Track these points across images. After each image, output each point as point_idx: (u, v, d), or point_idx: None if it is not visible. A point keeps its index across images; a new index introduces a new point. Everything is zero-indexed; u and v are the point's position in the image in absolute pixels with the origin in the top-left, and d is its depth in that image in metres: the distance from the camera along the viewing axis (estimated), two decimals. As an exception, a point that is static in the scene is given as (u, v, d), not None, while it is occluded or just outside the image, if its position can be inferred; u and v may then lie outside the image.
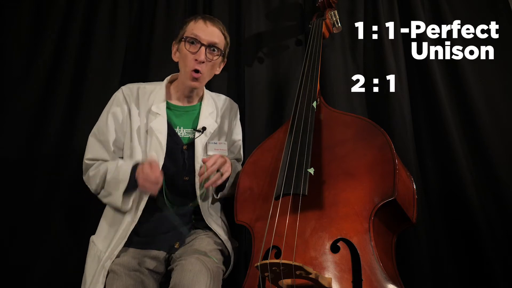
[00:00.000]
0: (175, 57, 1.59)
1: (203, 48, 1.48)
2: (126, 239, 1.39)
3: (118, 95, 1.59)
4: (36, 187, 1.79)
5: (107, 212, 1.51)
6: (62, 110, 1.90)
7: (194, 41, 1.49)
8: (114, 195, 1.41)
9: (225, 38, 1.57)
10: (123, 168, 1.41)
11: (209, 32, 1.51)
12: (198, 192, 1.49)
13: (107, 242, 1.41)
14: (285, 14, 2.11)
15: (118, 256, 1.36)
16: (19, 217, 1.74)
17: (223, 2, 2.10)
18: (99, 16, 2.03)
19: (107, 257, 1.36)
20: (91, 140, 1.54)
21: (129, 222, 1.42)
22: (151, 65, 1.98)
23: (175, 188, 1.47)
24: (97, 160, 1.51)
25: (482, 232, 1.69)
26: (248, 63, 2.03)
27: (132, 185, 1.39)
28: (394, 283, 1.09)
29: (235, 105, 1.77)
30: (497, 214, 1.74)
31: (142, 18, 2.09)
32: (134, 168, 1.39)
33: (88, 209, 1.75)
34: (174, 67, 1.94)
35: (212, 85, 1.86)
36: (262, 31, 2.08)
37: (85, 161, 1.53)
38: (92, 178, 1.49)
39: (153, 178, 1.33)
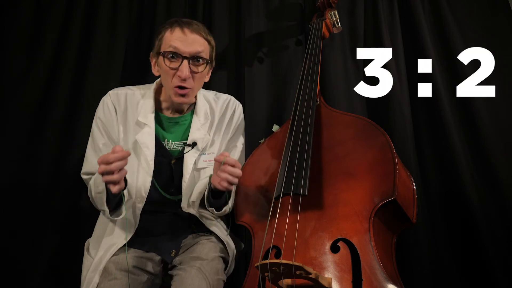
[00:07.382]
0: (155, 70, 1.41)
1: (185, 62, 1.30)
2: (120, 242, 1.33)
3: (106, 101, 1.45)
4: (36, 186, 1.78)
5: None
6: (62, 110, 1.90)
7: (173, 55, 1.31)
8: (105, 211, 1.29)
9: (209, 42, 1.39)
10: (98, 180, 1.25)
11: (189, 41, 1.31)
12: (185, 206, 1.40)
13: (99, 242, 1.36)
14: (285, 14, 2.11)
15: (115, 254, 1.31)
16: (19, 216, 1.74)
17: (223, 2, 2.10)
18: (99, 16, 2.03)
19: (102, 255, 1.30)
20: (87, 152, 1.43)
21: (123, 230, 1.34)
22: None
23: (159, 202, 1.39)
24: (92, 174, 1.38)
25: (482, 232, 1.69)
26: (248, 63, 2.03)
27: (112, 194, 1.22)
28: (394, 283, 1.08)
29: (239, 106, 1.62)
30: (497, 214, 1.74)
31: (142, 18, 2.08)
32: None
33: (86, 212, 1.75)
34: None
35: (212, 86, 1.85)
36: (262, 31, 2.07)
37: (81, 175, 1.42)
38: (91, 199, 1.37)
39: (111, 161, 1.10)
